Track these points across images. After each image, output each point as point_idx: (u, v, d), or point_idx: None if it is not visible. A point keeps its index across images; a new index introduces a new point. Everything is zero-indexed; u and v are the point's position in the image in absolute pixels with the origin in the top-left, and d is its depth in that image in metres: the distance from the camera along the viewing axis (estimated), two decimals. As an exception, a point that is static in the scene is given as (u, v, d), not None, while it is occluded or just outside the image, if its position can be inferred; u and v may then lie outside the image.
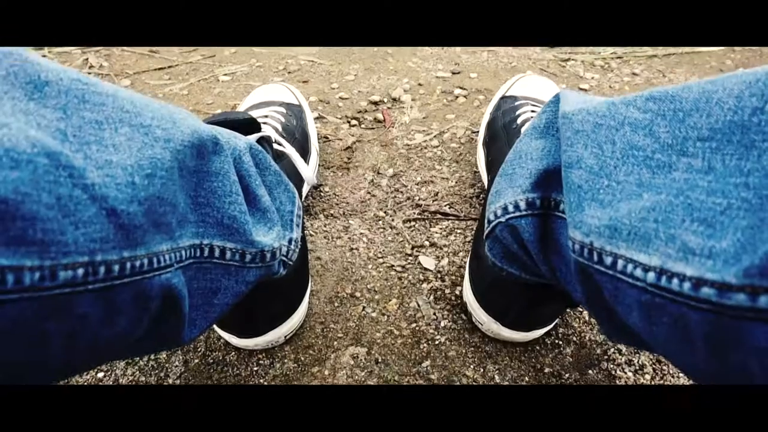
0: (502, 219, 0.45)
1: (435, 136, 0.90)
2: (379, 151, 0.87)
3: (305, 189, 0.69)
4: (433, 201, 0.77)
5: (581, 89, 1.05)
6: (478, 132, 0.89)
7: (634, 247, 0.30)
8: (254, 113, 0.73)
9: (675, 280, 0.27)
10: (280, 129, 0.68)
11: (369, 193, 0.79)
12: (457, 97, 1.01)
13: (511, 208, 0.44)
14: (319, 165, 0.82)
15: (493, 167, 0.68)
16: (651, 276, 0.29)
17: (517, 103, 0.73)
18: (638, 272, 0.30)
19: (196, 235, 0.39)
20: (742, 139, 0.28)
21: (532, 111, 0.69)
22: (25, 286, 0.23)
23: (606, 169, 0.35)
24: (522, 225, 0.44)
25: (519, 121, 0.67)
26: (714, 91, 0.31)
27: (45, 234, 0.24)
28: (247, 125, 0.55)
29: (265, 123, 0.67)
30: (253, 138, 0.53)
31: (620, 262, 0.31)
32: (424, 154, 0.86)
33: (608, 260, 0.32)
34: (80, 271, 0.26)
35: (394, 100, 0.99)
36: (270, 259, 0.45)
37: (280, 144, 0.60)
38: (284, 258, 0.48)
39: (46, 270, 0.24)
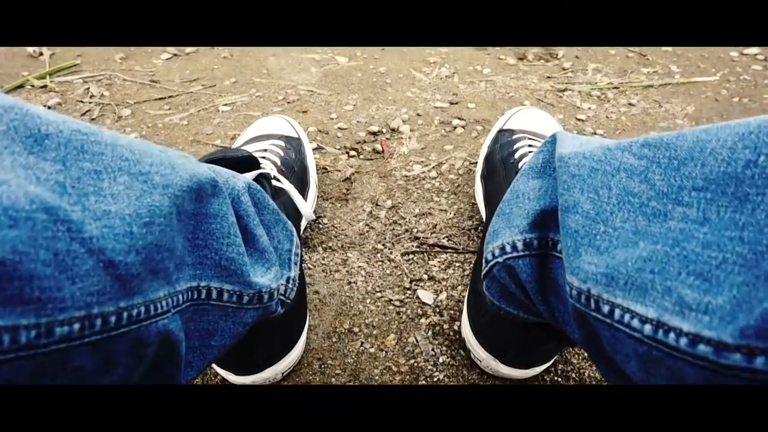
0: (500, 259, 0.45)
1: (433, 167, 0.91)
2: (378, 182, 0.87)
3: (304, 223, 0.69)
4: (432, 233, 0.77)
5: (578, 119, 1.06)
6: (476, 163, 0.90)
7: (631, 297, 0.30)
8: (253, 146, 0.73)
9: (672, 335, 0.27)
10: (279, 163, 0.69)
11: (367, 225, 0.79)
12: (455, 127, 1.01)
13: (508, 249, 0.45)
14: (317, 197, 0.82)
15: (491, 201, 0.68)
16: (648, 328, 0.29)
17: (514, 137, 0.74)
18: (635, 323, 0.30)
19: (194, 278, 0.39)
20: (736, 191, 0.28)
21: (530, 145, 0.70)
22: (21, 345, 0.23)
23: (602, 214, 0.36)
24: (520, 265, 0.44)
25: (517, 155, 0.68)
26: (708, 140, 0.31)
27: (42, 291, 0.24)
28: (245, 162, 0.55)
29: (264, 158, 0.68)
30: (251, 176, 0.54)
31: (617, 312, 0.31)
32: (422, 186, 0.87)
33: (605, 308, 0.32)
34: (76, 326, 0.26)
35: (393, 130, 1.00)
36: (268, 300, 0.45)
37: (278, 180, 0.60)
38: (282, 297, 0.48)
39: (42, 327, 0.24)
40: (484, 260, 0.48)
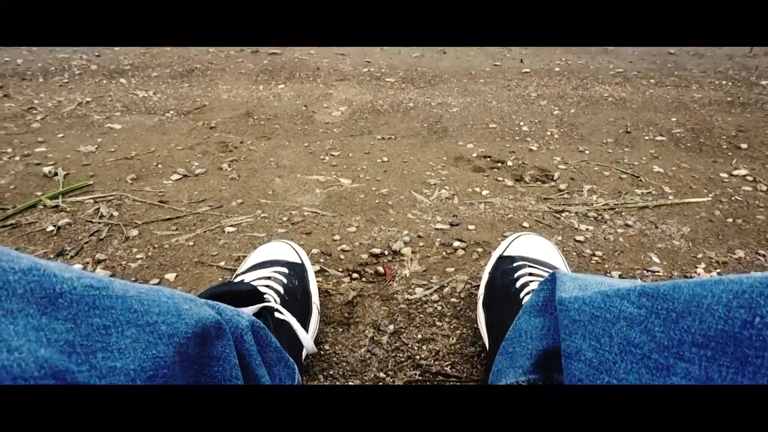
0: (505, 402, 0.44)
1: (435, 291, 0.91)
2: (380, 306, 0.88)
3: (305, 353, 0.68)
4: (435, 361, 0.76)
5: (577, 241, 1.08)
6: (477, 287, 0.90)
7: None
8: (257, 273, 0.74)
9: None
10: (282, 292, 0.69)
11: (369, 351, 0.78)
12: (456, 249, 1.03)
13: (513, 391, 0.44)
14: (319, 322, 0.82)
15: (493, 331, 0.68)
16: None
17: (515, 264, 0.75)
18: None
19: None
20: (735, 351, 0.29)
21: (530, 273, 0.71)
22: None
23: (605, 364, 0.36)
24: (525, 409, 0.43)
25: (518, 284, 0.69)
26: (704, 295, 0.32)
27: None
28: (249, 295, 0.56)
29: (267, 286, 0.68)
30: (254, 309, 0.54)
31: None
32: (424, 310, 0.87)
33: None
34: None
35: (395, 252, 1.02)
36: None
37: (281, 313, 0.61)
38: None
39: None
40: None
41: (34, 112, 1.76)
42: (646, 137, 1.64)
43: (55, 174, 1.34)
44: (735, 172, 1.41)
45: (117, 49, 2.54)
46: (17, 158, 1.43)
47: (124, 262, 1.00)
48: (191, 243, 1.06)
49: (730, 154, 1.54)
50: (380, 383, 0.73)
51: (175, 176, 1.33)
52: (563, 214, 1.18)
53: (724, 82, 2.23)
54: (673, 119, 1.79)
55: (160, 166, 1.39)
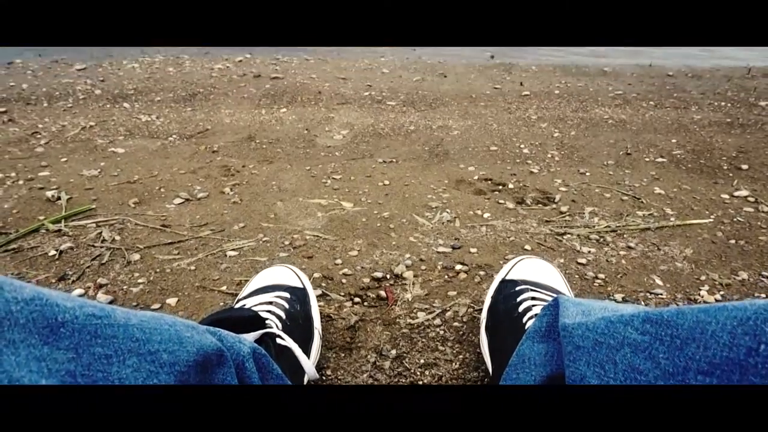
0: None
1: (437, 315, 0.91)
2: (382, 330, 0.87)
3: (306, 379, 0.68)
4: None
5: (579, 263, 1.08)
6: (480, 310, 0.90)
7: None
8: (259, 298, 0.74)
9: None
10: (284, 317, 0.69)
11: (371, 377, 0.78)
12: (458, 272, 1.03)
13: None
14: (321, 347, 0.81)
15: (496, 355, 0.67)
16: None
17: (517, 288, 0.75)
18: None
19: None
20: (741, 379, 0.29)
21: (533, 297, 0.71)
22: None
23: (610, 391, 0.35)
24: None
25: (520, 309, 0.69)
26: (708, 322, 0.32)
27: None
28: (251, 321, 0.56)
29: (269, 311, 0.68)
30: (256, 335, 0.54)
31: None
32: (426, 334, 0.86)
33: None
34: None
35: (397, 276, 1.02)
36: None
37: (282, 338, 0.61)
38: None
39: None
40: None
41: (38, 136, 1.77)
42: (647, 159, 1.64)
43: (58, 198, 1.35)
44: (736, 193, 1.42)
45: (121, 73, 2.57)
46: (21, 182, 1.43)
47: (125, 287, 1.00)
48: (193, 267, 1.06)
49: (731, 175, 1.54)
50: (383, 409, 0.72)
51: (178, 200, 1.34)
52: (565, 237, 1.18)
53: (723, 104, 2.25)
54: (673, 141, 1.80)
55: (162, 190, 1.39)
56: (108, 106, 2.11)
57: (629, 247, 1.15)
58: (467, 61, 3.02)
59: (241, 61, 2.85)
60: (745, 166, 1.59)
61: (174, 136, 1.79)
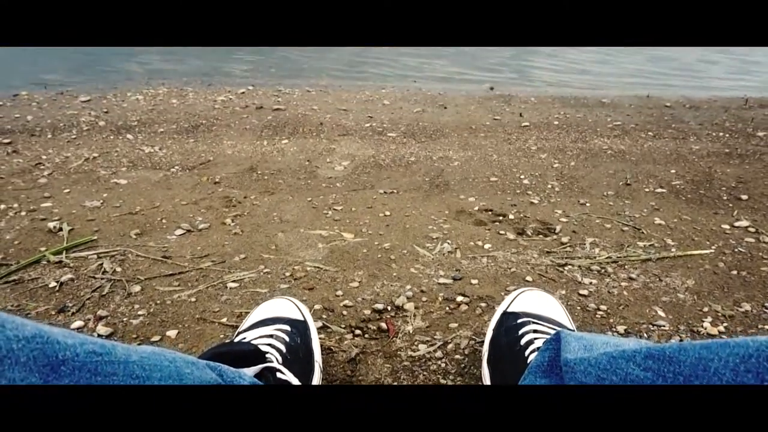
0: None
1: (439, 347, 0.90)
2: (383, 363, 0.86)
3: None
4: (439, 420, 0.75)
5: (581, 295, 1.07)
6: (481, 343, 0.89)
7: None
8: (259, 331, 0.74)
9: None
10: (285, 350, 0.69)
11: (372, 411, 0.77)
12: (459, 304, 1.02)
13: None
14: (322, 380, 0.81)
15: (498, 389, 0.67)
16: None
17: (519, 321, 0.74)
18: None
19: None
20: (745, 419, 0.28)
21: (534, 330, 0.70)
22: None
23: (613, 429, 0.35)
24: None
25: (522, 342, 0.68)
26: (710, 359, 0.31)
27: None
28: (251, 355, 0.55)
29: (269, 345, 0.68)
30: (256, 370, 0.54)
31: None
32: (428, 367, 0.86)
33: None
34: None
35: (398, 308, 1.01)
36: None
37: (282, 373, 0.60)
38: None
39: None
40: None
41: (42, 167, 1.78)
42: (647, 189, 1.65)
43: (60, 229, 1.35)
44: (737, 224, 1.42)
45: (125, 105, 2.60)
46: (23, 213, 1.44)
47: (125, 319, 1.00)
48: (193, 299, 1.05)
49: (730, 205, 1.55)
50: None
51: (179, 231, 1.34)
52: (566, 268, 1.18)
53: (721, 134, 2.27)
54: (673, 171, 1.81)
55: (164, 221, 1.40)
56: (111, 137, 2.13)
57: (631, 278, 1.15)
58: (467, 93, 3.06)
59: (243, 92, 2.89)
60: (744, 197, 1.60)
61: (176, 167, 1.80)
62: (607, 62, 4.19)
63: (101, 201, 1.52)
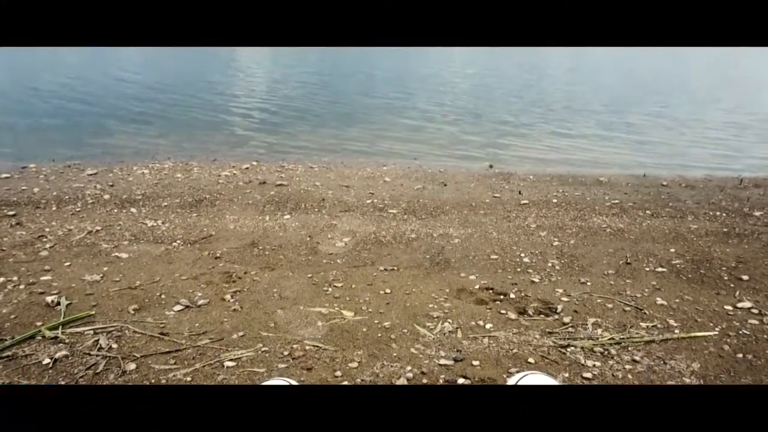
0: None
1: (440, 433, 0.87)
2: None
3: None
4: None
5: (585, 378, 1.05)
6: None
7: None
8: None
9: None
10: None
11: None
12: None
13: None
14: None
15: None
16: None
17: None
18: None
19: None
20: None
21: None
22: None
23: None
24: None
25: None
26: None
27: None
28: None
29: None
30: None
31: None
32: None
33: None
34: None
35: (398, 390, 0.99)
36: None
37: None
38: None
39: None
40: None
41: (44, 240, 1.79)
42: (647, 268, 1.65)
43: (58, 303, 1.34)
44: (739, 305, 1.41)
45: (131, 178, 2.64)
46: (22, 286, 1.43)
47: (118, 399, 0.97)
48: (189, 378, 1.03)
49: (732, 285, 1.54)
50: None
51: (178, 307, 1.33)
52: (569, 349, 1.16)
53: (718, 213, 2.29)
54: (672, 250, 1.81)
55: (163, 296, 1.39)
56: (115, 210, 2.15)
57: (635, 361, 1.13)
58: (467, 170, 3.12)
59: (247, 168, 2.95)
60: (745, 277, 1.59)
61: (178, 241, 1.81)
62: (605, 140, 4.29)
63: (101, 275, 1.51)
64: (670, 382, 1.06)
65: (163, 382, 1.02)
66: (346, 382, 1.01)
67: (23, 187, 2.45)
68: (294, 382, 0.83)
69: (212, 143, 3.73)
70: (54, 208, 2.16)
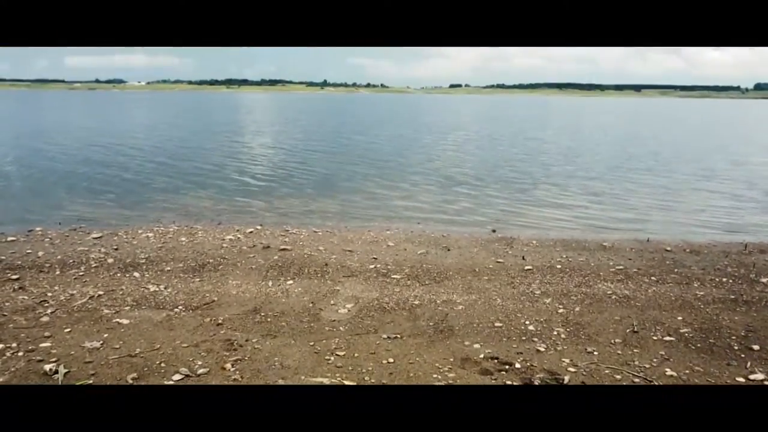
0: None
1: None
2: None
3: None
4: None
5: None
6: None
7: None
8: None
9: None
10: None
11: None
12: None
13: None
14: None
15: None
16: None
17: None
18: None
19: None
20: None
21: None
22: None
23: None
24: None
25: None
26: None
27: None
28: None
29: None
30: None
31: None
32: None
33: None
34: None
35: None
36: None
37: None
38: None
39: None
40: None
41: (46, 305, 1.79)
42: (654, 337, 1.62)
43: (56, 372, 1.32)
44: (752, 377, 1.38)
45: (135, 242, 2.66)
46: (20, 354, 1.42)
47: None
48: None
49: (743, 356, 1.51)
50: None
51: (177, 376, 1.31)
52: (577, 424, 1.12)
53: (724, 279, 2.27)
54: (679, 318, 1.79)
55: (162, 364, 1.37)
56: (118, 275, 2.15)
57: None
58: (470, 235, 3.13)
59: (251, 232, 2.96)
60: (756, 347, 1.56)
61: (180, 307, 1.80)
62: (605, 204, 4.31)
63: (101, 341, 1.50)
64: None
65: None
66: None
67: (28, 251, 2.46)
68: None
69: (216, 207, 3.77)
70: (57, 272, 2.16)
